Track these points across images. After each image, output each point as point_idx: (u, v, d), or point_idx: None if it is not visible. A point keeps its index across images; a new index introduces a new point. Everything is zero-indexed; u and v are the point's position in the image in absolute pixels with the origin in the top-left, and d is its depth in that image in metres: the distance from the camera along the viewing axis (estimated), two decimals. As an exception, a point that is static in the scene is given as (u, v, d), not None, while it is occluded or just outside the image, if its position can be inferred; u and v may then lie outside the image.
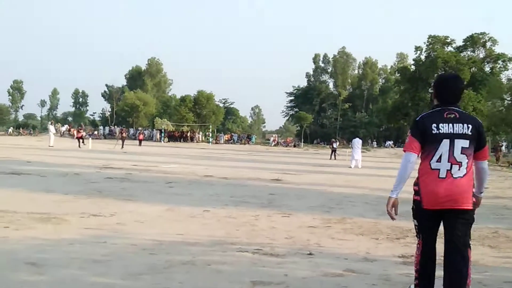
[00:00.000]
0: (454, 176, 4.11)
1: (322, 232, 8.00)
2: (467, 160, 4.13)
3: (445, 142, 4.12)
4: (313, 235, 7.70)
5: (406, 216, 9.70)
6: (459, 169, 4.11)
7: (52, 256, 5.75)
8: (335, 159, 38.58)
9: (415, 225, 4.43)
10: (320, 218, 9.31)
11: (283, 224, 8.63)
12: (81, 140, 39.49)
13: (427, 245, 4.32)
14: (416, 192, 4.30)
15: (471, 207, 4.17)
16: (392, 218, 4.39)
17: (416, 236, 4.48)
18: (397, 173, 4.32)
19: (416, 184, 4.31)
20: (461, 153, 4.11)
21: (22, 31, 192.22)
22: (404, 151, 4.31)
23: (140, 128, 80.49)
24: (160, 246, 6.49)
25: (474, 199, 4.22)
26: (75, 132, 43.96)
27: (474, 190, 4.25)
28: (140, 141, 54.82)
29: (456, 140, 4.11)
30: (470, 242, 4.32)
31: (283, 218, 9.22)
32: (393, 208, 4.32)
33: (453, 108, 4.23)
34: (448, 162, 4.11)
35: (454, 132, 4.12)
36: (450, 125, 4.14)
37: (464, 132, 4.13)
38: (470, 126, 4.15)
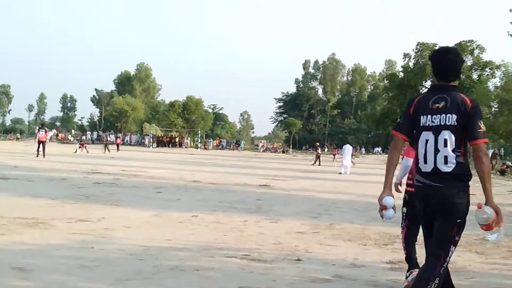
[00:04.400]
0: None
1: (310, 238, 8.01)
2: None
3: None
4: (301, 241, 7.71)
5: (394, 221, 9.74)
6: None
7: (39, 262, 5.71)
8: (319, 164, 38.68)
9: (403, 213, 5.61)
10: (308, 224, 9.32)
11: (271, 229, 8.63)
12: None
13: (412, 226, 5.52)
14: (410, 185, 5.41)
15: None
16: (399, 191, 5.82)
17: (402, 222, 5.68)
18: (400, 169, 5.65)
19: (410, 179, 5.44)
20: None
21: (9, 35, 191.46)
22: (403, 156, 5.64)
23: (119, 134, 79.55)
24: (148, 252, 6.47)
25: None
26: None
27: None
28: (118, 145, 54.42)
29: None
30: None
31: (271, 224, 9.22)
32: (397, 187, 5.87)
33: None
34: None
35: None
36: None
37: None
38: None
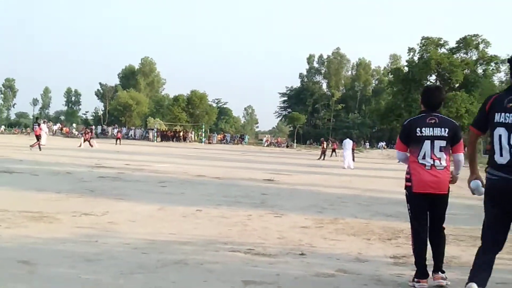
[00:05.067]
0: (437, 168, 5.12)
1: (314, 233, 8.02)
2: (445, 156, 5.16)
3: (427, 143, 5.13)
4: (305, 235, 7.71)
5: (398, 216, 9.77)
6: (440, 163, 5.12)
7: (44, 255, 5.73)
8: (323, 159, 38.83)
9: (408, 209, 5.33)
10: (312, 219, 9.33)
11: (275, 224, 8.64)
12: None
13: (419, 224, 5.23)
14: (408, 180, 5.26)
15: (447, 193, 5.20)
16: None
17: (410, 220, 5.35)
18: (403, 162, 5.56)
19: (408, 173, 5.28)
20: (440, 151, 5.13)
21: (14, 29, 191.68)
22: (396, 149, 5.60)
23: (120, 128, 79.12)
24: (152, 245, 6.48)
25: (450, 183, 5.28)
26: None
27: (452, 173, 5.32)
28: (118, 139, 54.25)
29: (435, 141, 5.13)
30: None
31: (275, 218, 9.23)
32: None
33: (435, 114, 5.23)
34: (431, 158, 5.12)
35: (434, 134, 5.13)
36: (431, 129, 5.14)
37: (441, 134, 5.14)
38: (447, 129, 5.16)
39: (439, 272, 5.20)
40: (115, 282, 4.91)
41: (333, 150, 46.98)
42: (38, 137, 30.26)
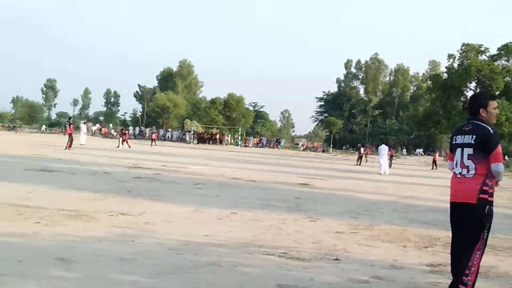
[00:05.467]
0: (466, 177, 4.82)
1: (349, 238, 7.96)
2: (474, 165, 4.79)
3: (458, 151, 4.94)
4: (340, 241, 7.66)
5: (436, 224, 9.63)
6: (468, 172, 4.82)
7: (81, 253, 5.82)
8: (359, 164, 38.56)
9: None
10: (347, 224, 9.26)
11: (309, 228, 8.60)
12: None
13: (453, 235, 5.00)
14: None
15: (475, 202, 4.69)
16: None
17: None
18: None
19: None
20: (468, 159, 4.84)
21: (56, 31, 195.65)
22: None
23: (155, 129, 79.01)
24: (187, 247, 6.52)
25: (485, 196, 4.72)
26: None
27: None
28: (153, 140, 54.21)
29: (465, 149, 4.87)
30: (480, 232, 4.75)
31: (309, 223, 9.20)
32: None
33: (472, 121, 4.96)
34: (460, 166, 4.89)
35: (464, 142, 4.90)
36: (463, 136, 4.93)
37: (469, 142, 4.85)
38: (474, 136, 4.82)
39: None
40: (150, 281, 4.95)
41: (365, 155, 46.70)
42: (70, 136, 30.80)
